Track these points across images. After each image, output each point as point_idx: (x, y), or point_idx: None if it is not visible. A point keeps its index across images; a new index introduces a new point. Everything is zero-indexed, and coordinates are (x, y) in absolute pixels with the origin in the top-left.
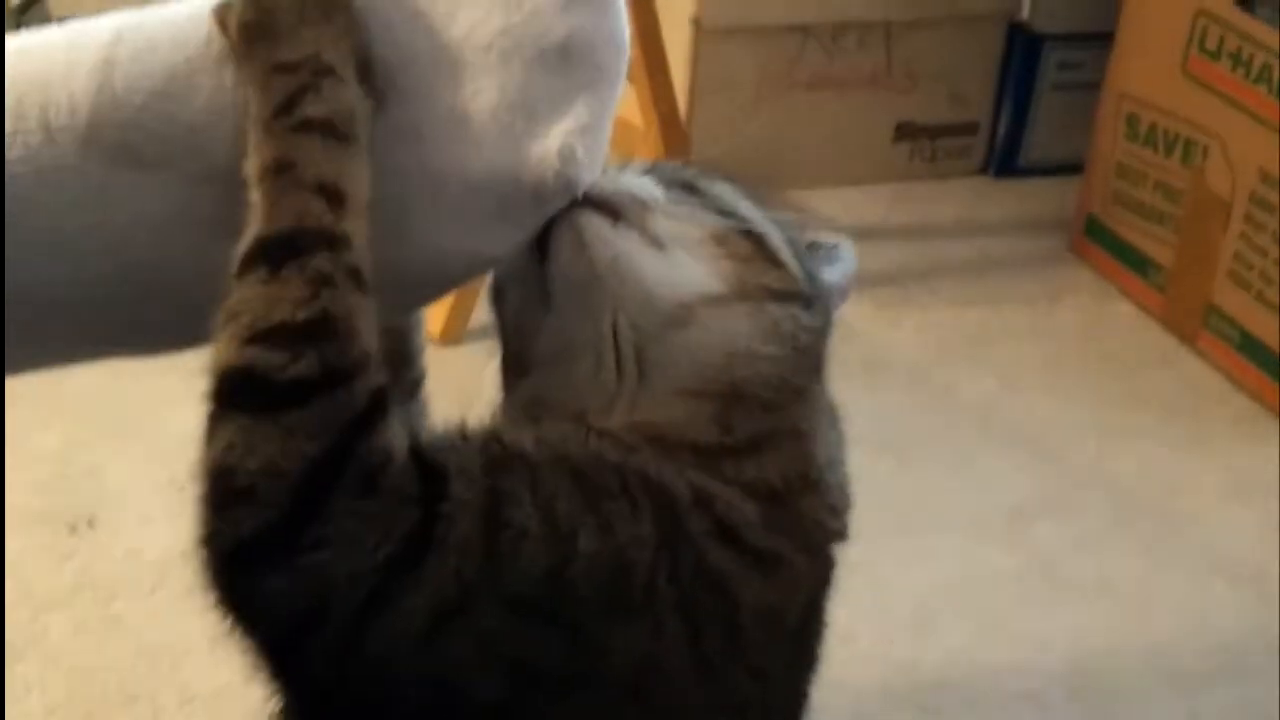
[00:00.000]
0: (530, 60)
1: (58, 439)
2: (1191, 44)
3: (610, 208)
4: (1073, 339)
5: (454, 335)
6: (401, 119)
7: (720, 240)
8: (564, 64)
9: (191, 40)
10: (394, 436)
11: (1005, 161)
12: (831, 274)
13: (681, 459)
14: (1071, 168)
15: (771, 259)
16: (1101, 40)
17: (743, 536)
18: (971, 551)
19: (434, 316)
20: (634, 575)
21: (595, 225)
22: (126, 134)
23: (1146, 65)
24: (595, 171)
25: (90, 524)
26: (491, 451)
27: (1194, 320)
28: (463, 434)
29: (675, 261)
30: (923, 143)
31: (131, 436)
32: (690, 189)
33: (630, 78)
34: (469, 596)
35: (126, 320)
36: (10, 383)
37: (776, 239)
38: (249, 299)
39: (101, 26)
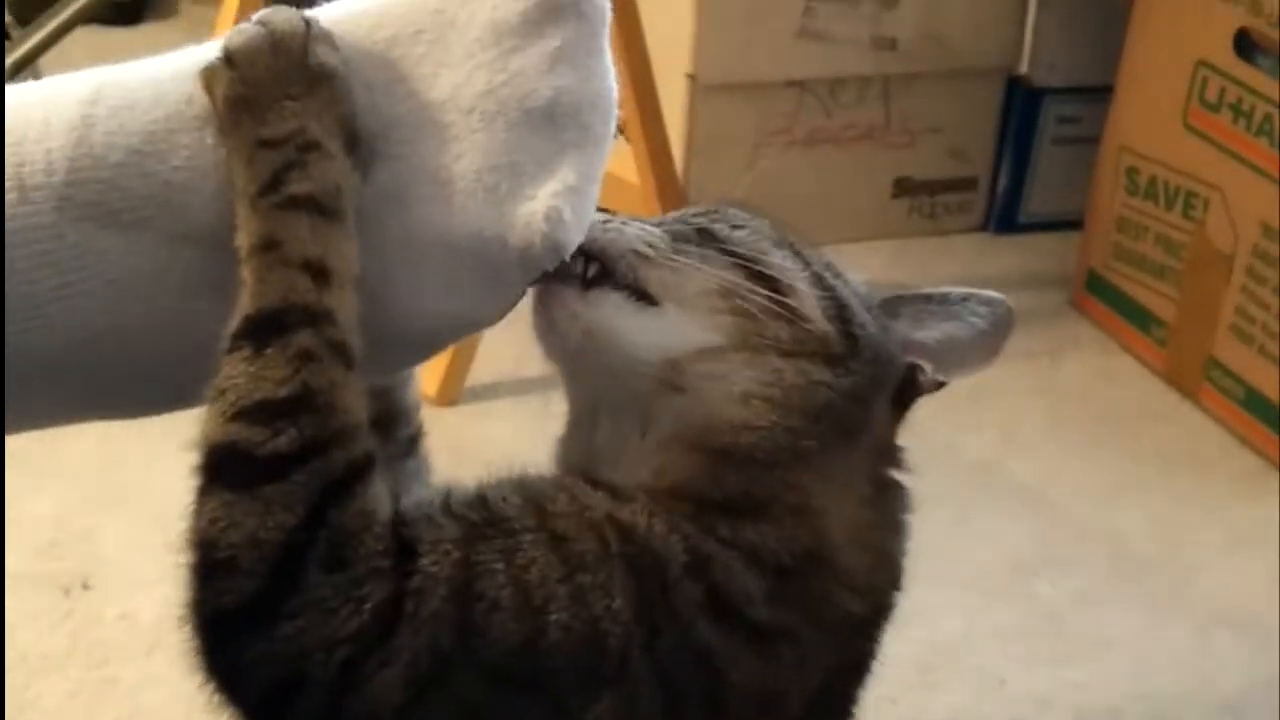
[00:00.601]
0: (515, 122)
1: (52, 503)
2: (1192, 96)
3: (603, 260)
4: (1074, 394)
5: (450, 396)
6: (385, 184)
7: (727, 293)
8: (549, 125)
9: (172, 98)
10: (374, 504)
11: (1005, 217)
12: (931, 331)
13: (682, 510)
14: (1072, 223)
15: (787, 314)
16: (1101, 93)
17: (739, 609)
18: (973, 607)
19: (430, 377)
20: (607, 646)
21: (560, 301)
22: (104, 193)
23: (1146, 117)
24: (583, 234)
25: (85, 587)
26: (471, 519)
27: (1196, 375)
28: (447, 499)
29: (666, 317)
30: (922, 199)
31: (126, 500)
32: (709, 237)
33: (626, 134)
34: (446, 667)
35: (109, 382)
36: (9, 445)
37: (803, 292)
38: (234, 376)
39: (80, 83)
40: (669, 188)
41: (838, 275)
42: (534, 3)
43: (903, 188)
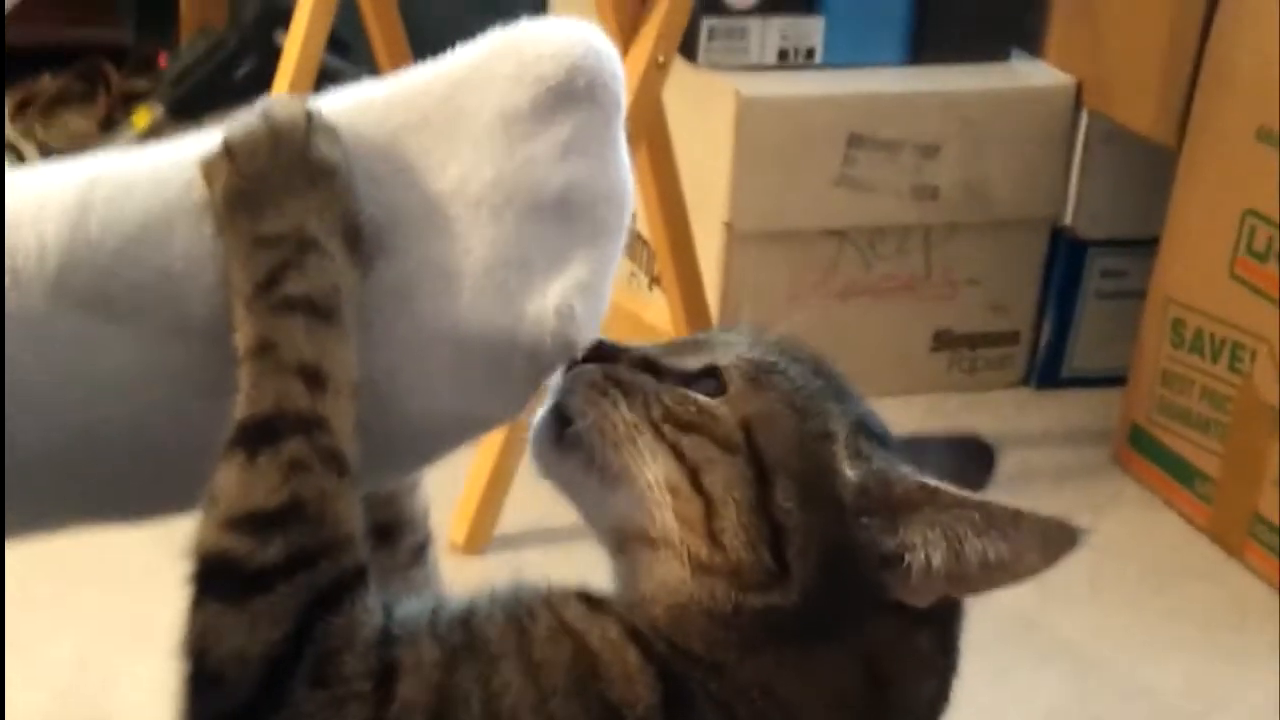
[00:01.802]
0: (524, 214)
1: (73, 646)
2: (1239, 245)
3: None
4: (1116, 551)
5: (478, 544)
6: (390, 279)
7: (674, 490)
8: (561, 217)
9: (171, 185)
10: (362, 618)
11: (1047, 372)
12: (939, 556)
13: (659, 629)
14: (1115, 379)
15: (709, 532)
16: (1146, 246)
17: None
18: None
19: (458, 525)
20: None
21: (539, 441)
22: (99, 281)
23: (1192, 268)
24: (595, 331)
25: None
26: (454, 641)
27: (1240, 531)
28: (434, 616)
29: (617, 496)
30: (962, 352)
31: (149, 643)
32: (689, 427)
33: (660, 282)
34: None
35: (105, 481)
36: (26, 589)
37: (725, 519)
38: (227, 484)
39: (76, 169)
40: None
41: (819, 475)
42: (545, 89)
43: (942, 341)
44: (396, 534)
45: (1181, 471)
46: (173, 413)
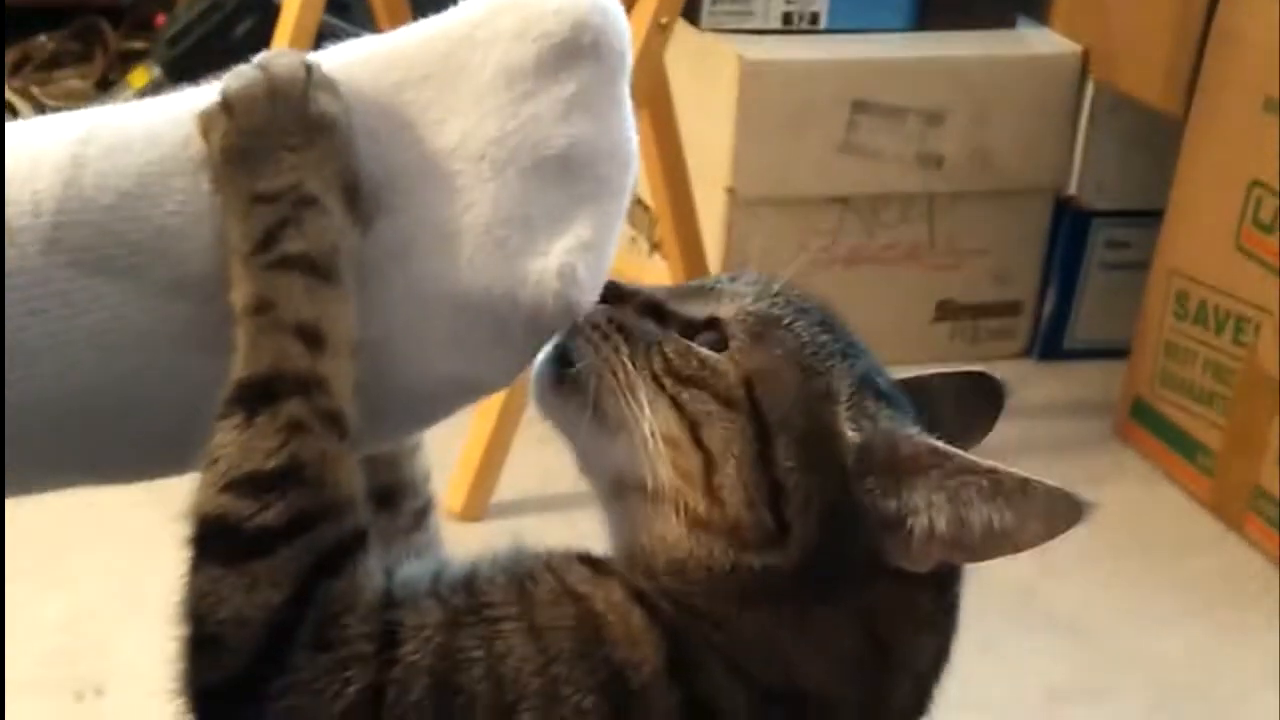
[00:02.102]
0: (527, 172)
1: (67, 609)
2: (1245, 217)
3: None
4: (1115, 524)
5: (476, 512)
6: (389, 237)
7: (673, 443)
8: (564, 176)
9: (168, 139)
10: (362, 582)
11: (1050, 343)
12: (943, 519)
13: (663, 589)
14: (1118, 351)
15: (708, 488)
16: (1151, 217)
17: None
18: None
19: (455, 492)
20: None
21: (540, 382)
22: (93, 237)
23: (1197, 239)
24: (597, 292)
25: (98, 693)
26: (455, 604)
27: (1241, 504)
28: (436, 579)
29: (616, 445)
30: (965, 322)
31: (142, 607)
32: (690, 381)
33: (661, 248)
34: None
35: (101, 440)
36: (15, 550)
37: (725, 475)
38: (225, 445)
39: (70, 123)
40: None
41: (821, 434)
42: (549, 45)
43: (945, 311)
44: (398, 497)
45: (1183, 444)
46: (171, 370)
